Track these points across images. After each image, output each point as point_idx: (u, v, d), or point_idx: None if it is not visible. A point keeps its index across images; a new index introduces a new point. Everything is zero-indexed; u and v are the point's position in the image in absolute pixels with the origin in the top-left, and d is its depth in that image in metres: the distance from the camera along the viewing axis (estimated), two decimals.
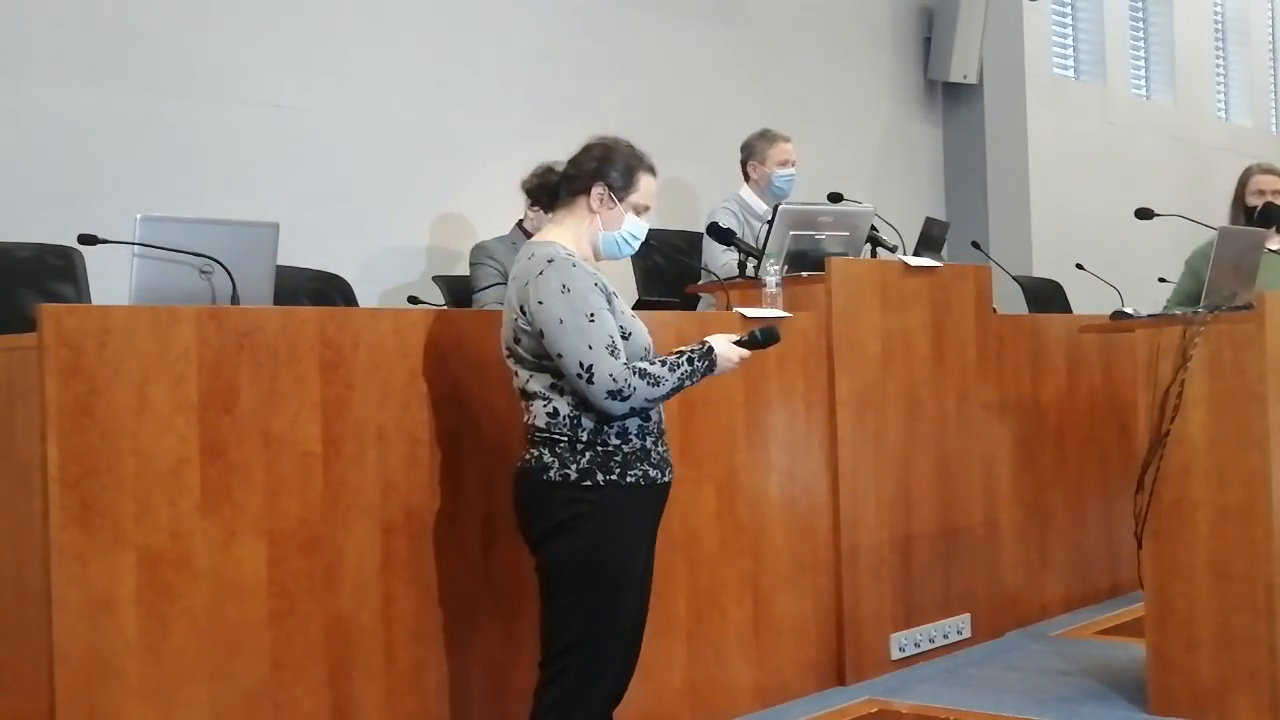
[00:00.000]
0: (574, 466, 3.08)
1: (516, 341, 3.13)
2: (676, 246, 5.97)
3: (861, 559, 4.85)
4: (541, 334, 3.05)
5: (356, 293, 5.27)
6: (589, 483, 3.08)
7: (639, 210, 3.29)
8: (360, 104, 5.95)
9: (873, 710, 4.48)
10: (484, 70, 6.48)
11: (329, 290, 5.11)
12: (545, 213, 3.35)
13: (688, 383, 3.16)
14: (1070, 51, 10.82)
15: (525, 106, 6.58)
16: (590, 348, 3.01)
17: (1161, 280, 5.92)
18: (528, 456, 3.15)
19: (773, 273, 4.61)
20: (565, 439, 3.09)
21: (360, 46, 5.99)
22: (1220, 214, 5.57)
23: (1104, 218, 9.44)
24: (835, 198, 5.56)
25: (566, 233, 3.24)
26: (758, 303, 4.57)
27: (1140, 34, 11.53)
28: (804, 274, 4.88)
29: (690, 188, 7.14)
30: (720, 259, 5.37)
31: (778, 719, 4.42)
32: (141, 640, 2.95)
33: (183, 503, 3.03)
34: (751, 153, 5.96)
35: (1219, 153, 11.72)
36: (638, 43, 7.20)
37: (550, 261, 3.10)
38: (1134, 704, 4.40)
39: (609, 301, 3.11)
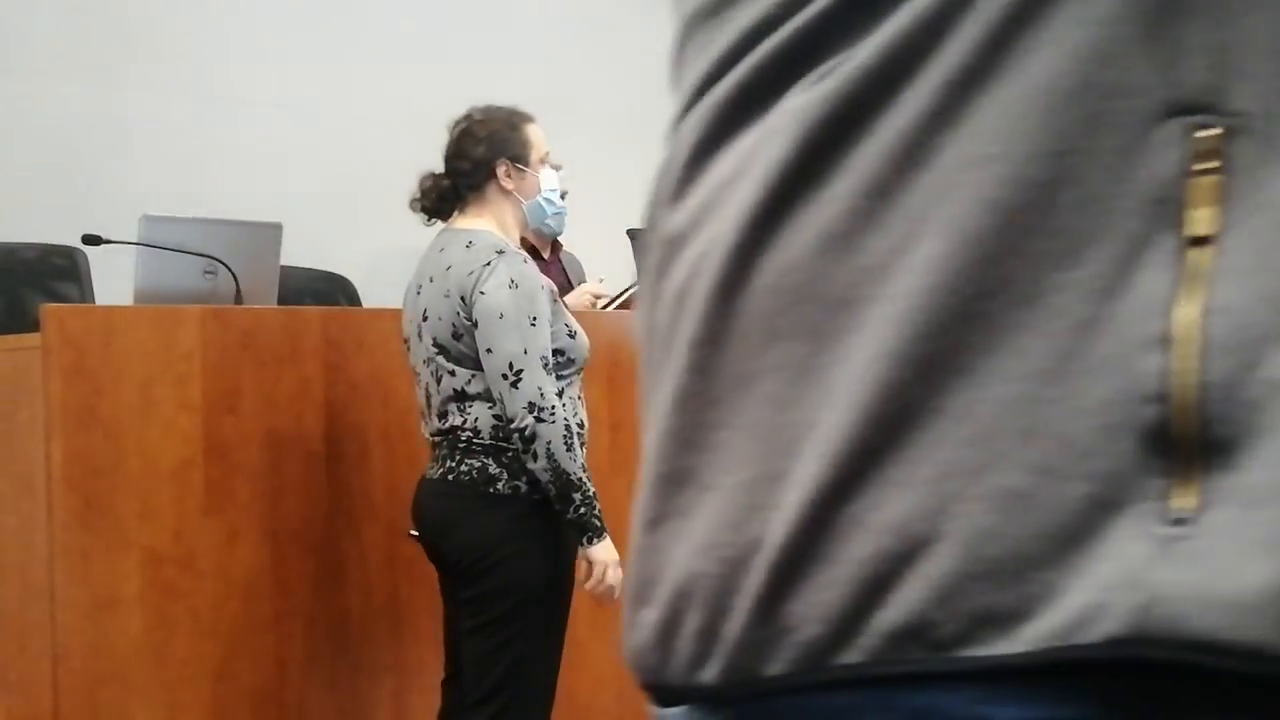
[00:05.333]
0: (525, 478, 2.81)
1: (456, 338, 2.86)
2: None
3: None
4: (475, 324, 2.82)
5: (361, 293, 5.27)
6: (541, 495, 2.82)
7: (545, 162, 3.09)
8: (365, 104, 5.96)
9: None
10: (487, 70, 6.49)
11: (333, 291, 5.12)
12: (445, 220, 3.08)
13: (575, 499, 2.80)
14: None
15: (529, 106, 6.58)
16: (525, 352, 2.77)
17: None
18: (464, 468, 2.87)
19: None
20: (514, 448, 2.81)
21: (364, 46, 6.00)
22: None
23: None
24: None
25: (490, 224, 3.00)
26: None
27: None
28: None
29: None
30: None
31: None
32: (145, 640, 2.96)
33: (186, 502, 3.03)
34: None
35: None
36: (640, 43, 7.20)
37: (500, 253, 2.87)
38: None
39: (553, 303, 2.88)
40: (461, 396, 2.87)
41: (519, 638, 2.81)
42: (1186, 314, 0.52)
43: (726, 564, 0.56)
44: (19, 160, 4.90)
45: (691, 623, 0.58)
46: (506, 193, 3.01)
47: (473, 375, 2.86)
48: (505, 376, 2.78)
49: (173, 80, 5.36)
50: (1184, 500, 0.52)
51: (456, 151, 3.05)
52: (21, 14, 5.00)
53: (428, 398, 2.97)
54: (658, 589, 0.59)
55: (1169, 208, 0.53)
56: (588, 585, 2.86)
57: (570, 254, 5.08)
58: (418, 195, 3.08)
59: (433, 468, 2.97)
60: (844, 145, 0.56)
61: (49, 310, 2.89)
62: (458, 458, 2.88)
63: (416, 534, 2.99)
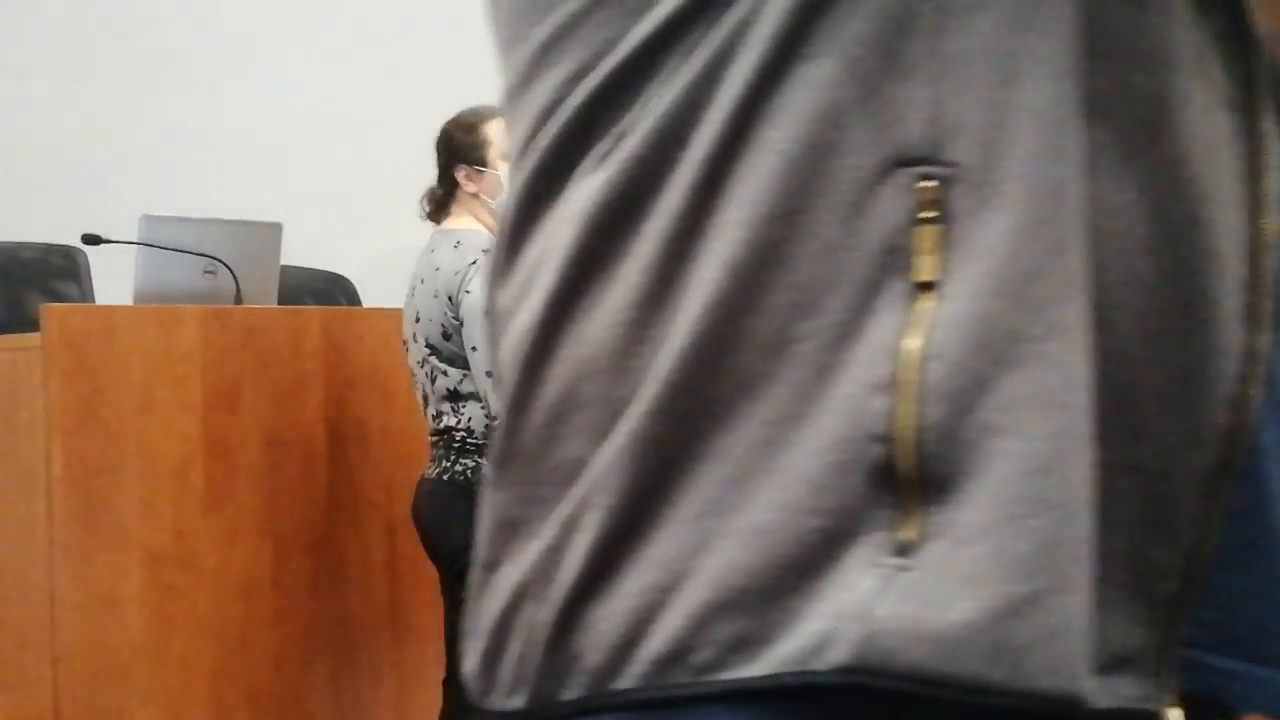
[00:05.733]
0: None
1: (446, 338, 2.94)
2: None
3: None
4: (460, 323, 2.89)
5: (361, 293, 5.27)
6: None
7: (507, 158, 3.14)
8: (365, 104, 5.96)
9: None
10: (491, 70, 6.48)
11: (333, 290, 5.11)
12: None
13: None
14: None
15: None
16: None
17: None
18: (458, 467, 2.93)
19: None
20: None
21: (366, 46, 5.99)
22: None
23: None
24: None
25: (469, 222, 3.09)
26: None
27: None
28: None
29: None
30: None
31: None
32: (145, 639, 2.96)
33: (186, 502, 3.03)
34: None
35: None
36: None
37: (486, 251, 2.92)
38: None
39: None
40: (454, 396, 2.92)
41: None
42: (909, 358, 0.56)
43: (532, 601, 0.62)
44: (19, 160, 4.90)
45: (508, 654, 0.64)
46: (474, 195, 3.09)
47: (464, 375, 2.91)
48: (490, 374, 2.82)
49: (173, 80, 5.36)
50: (907, 534, 0.56)
51: (436, 158, 3.15)
52: (21, 14, 5.00)
53: (424, 398, 3.01)
54: (484, 622, 0.66)
55: (897, 256, 0.57)
56: None
57: None
58: (427, 210, 3.19)
59: (430, 468, 2.99)
60: (626, 229, 0.61)
61: (49, 310, 2.89)
62: (453, 457, 2.92)
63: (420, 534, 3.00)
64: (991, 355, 0.56)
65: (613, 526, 0.60)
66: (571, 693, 0.61)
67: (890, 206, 0.57)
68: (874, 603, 0.56)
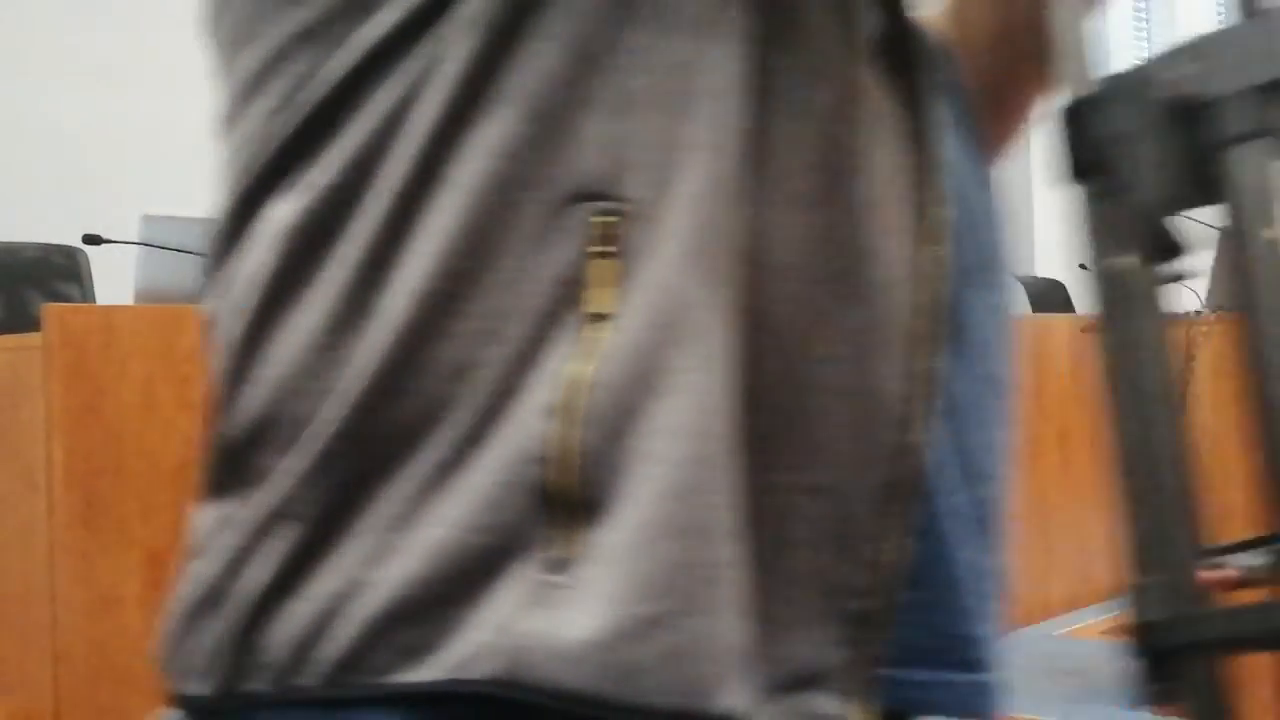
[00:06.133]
0: None
1: None
2: None
3: None
4: None
5: None
6: None
7: None
8: None
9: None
10: None
11: None
12: None
13: None
14: None
15: None
16: None
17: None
18: None
19: None
20: None
21: None
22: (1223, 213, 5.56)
23: None
24: None
25: None
26: None
27: (1143, 30, 11.53)
28: None
29: None
30: None
31: None
32: (146, 639, 2.95)
33: (187, 502, 3.02)
34: None
35: None
36: None
37: None
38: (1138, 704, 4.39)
39: None
40: None
41: None
42: (573, 385, 0.60)
43: (224, 597, 0.66)
44: (19, 160, 4.89)
45: (197, 642, 0.68)
46: None
47: None
48: None
49: (173, 80, 5.35)
50: (563, 552, 0.60)
51: None
52: (22, 14, 4.99)
53: None
54: (178, 608, 0.70)
55: (573, 288, 0.61)
56: None
57: None
58: None
59: None
60: (319, 254, 0.64)
61: (50, 310, 2.89)
62: None
63: None
64: (644, 384, 0.60)
65: (302, 536, 0.64)
66: (255, 686, 0.65)
67: (568, 240, 0.61)
68: (521, 617, 0.60)
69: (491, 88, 0.62)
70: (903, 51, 0.69)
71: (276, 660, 0.64)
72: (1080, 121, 0.58)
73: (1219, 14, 12.20)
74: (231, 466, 0.68)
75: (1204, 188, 0.59)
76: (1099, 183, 0.58)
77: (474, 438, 0.61)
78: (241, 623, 0.65)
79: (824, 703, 0.66)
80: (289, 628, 0.64)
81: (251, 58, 0.67)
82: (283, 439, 0.65)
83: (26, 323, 3.11)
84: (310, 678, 0.63)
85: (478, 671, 0.60)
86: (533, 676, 0.59)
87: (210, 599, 0.67)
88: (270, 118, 0.66)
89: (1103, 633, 5.63)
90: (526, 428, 0.60)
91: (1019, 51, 0.85)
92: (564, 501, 0.60)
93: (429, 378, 0.62)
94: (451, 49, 0.62)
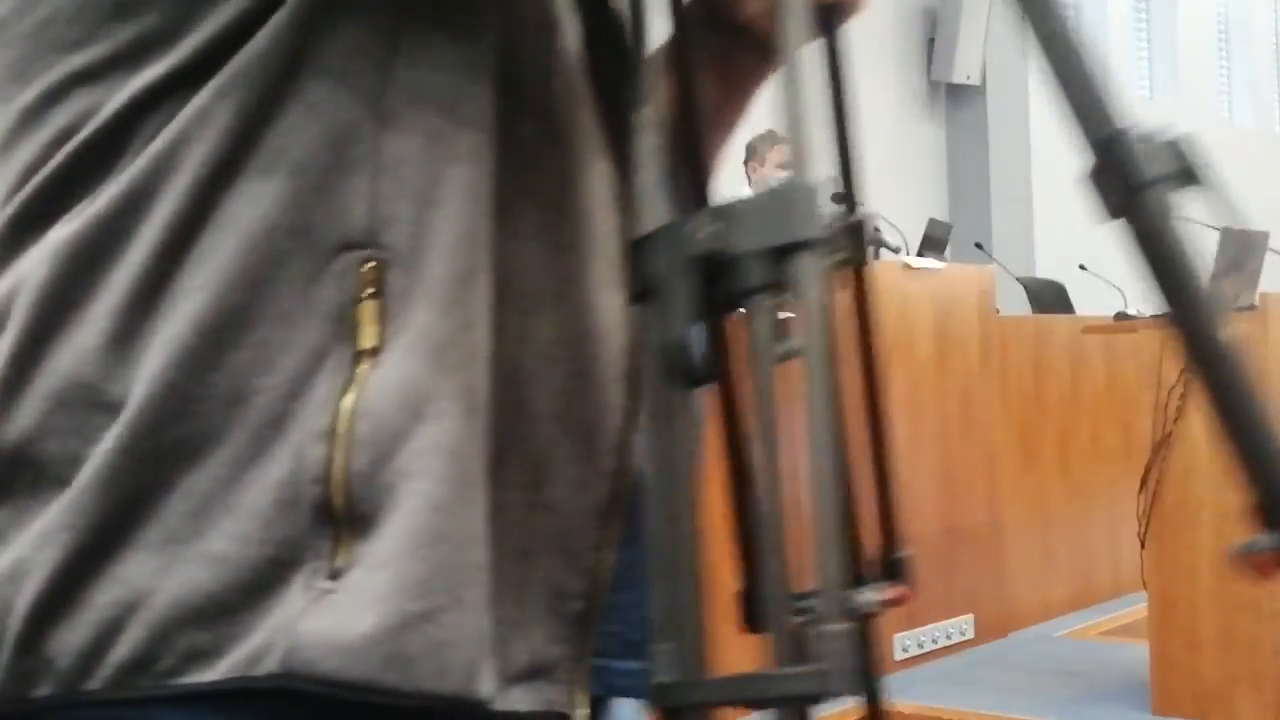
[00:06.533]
0: None
1: None
2: None
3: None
4: None
5: None
6: None
7: None
8: None
9: None
10: None
11: None
12: None
13: None
14: None
15: None
16: None
17: None
18: None
19: None
20: None
21: None
22: (1223, 215, 5.56)
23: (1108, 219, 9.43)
24: (838, 198, 5.56)
25: None
26: None
27: (1143, 34, 11.55)
28: None
29: None
30: None
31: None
32: None
33: None
34: (752, 153, 5.94)
35: (1222, 152, 11.73)
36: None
37: None
38: (1137, 705, 4.40)
39: None
40: None
41: None
42: (344, 413, 0.68)
43: (4, 605, 0.69)
44: None
45: None
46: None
47: None
48: None
49: None
50: (338, 562, 0.68)
51: None
52: None
53: None
54: None
55: (344, 325, 0.69)
56: None
57: None
58: None
59: None
60: (95, 275, 0.70)
61: None
62: None
63: None
64: (409, 412, 0.69)
65: (81, 546, 0.68)
66: (42, 691, 0.69)
67: (338, 283, 0.69)
68: (300, 619, 0.67)
69: (259, 145, 0.70)
70: (621, 124, 0.79)
71: (64, 667, 0.68)
72: (638, 255, 0.70)
73: (1219, 15, 12.20)
74: (10, 475, 0.71)
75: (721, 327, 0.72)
76: (647, 312, 0.70)
77: (251, 458, 0.68)
78: (25, 632, 0.68)
79: (551, 691, 0.77)
80: (75, 636, 0.68)
81: (29, 94, 0.73)
82: (62, 450, 0.69)
83: None
84: (98, 681, 0.68)
85: (263, 669, 0.67)
86: (317, 671, 0.66)
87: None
88: (47, 149, 0.72)
89: (1103, 634, 5.64)
90: (303, 451, 0.68)
91: (732, 119, 0.97)
92: (338, 517, 0.68)
93: (207, 402, 0.68)
94: (221, 104, 0.70)
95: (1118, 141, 0.79)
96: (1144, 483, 4.30)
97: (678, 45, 0.80)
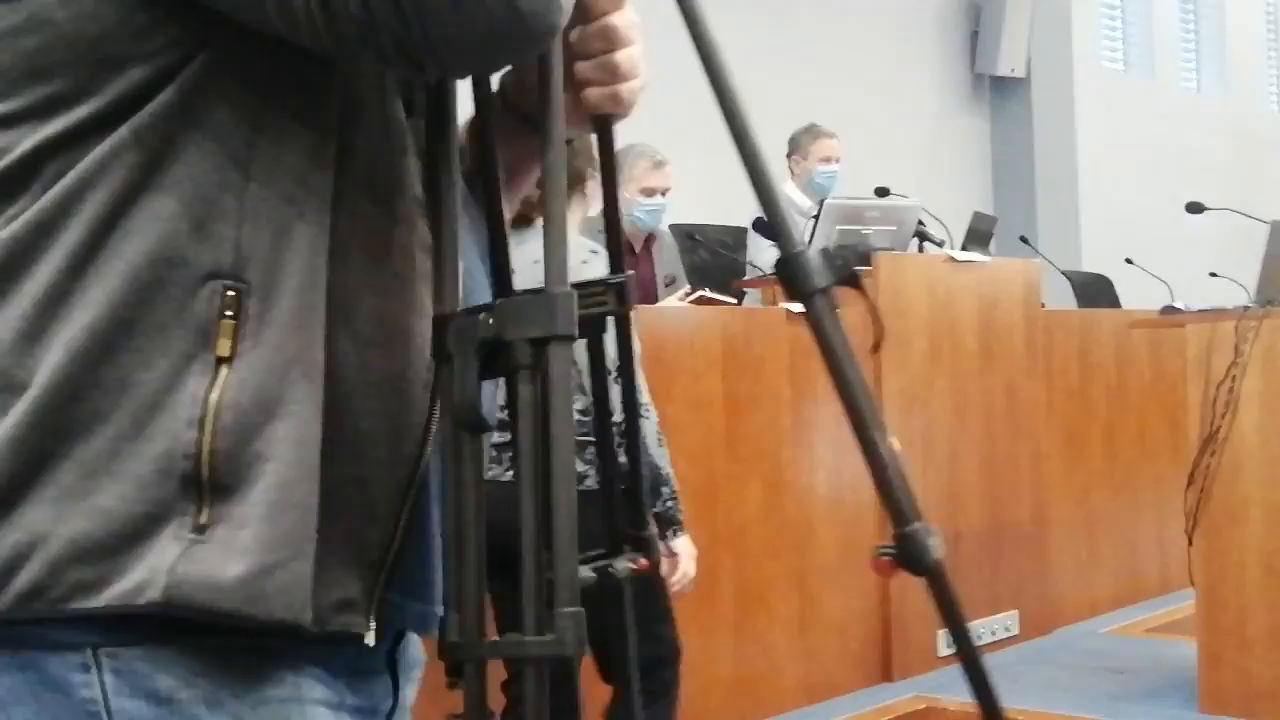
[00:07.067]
0: (594, 478, 2.82)
1: None
2: (722, 242, 5.97)
3: None
4: None
5: None
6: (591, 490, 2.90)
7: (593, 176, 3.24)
8: None
9: (919, 707, 4.46)
10: None
11: None
12: None
13: (664, 493, 3.01)
14: (1119, 44, 10.74)
15: None
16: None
17: (1213, 275, 5.86)
18: None
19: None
20: (591, 443, 2.84)
21: None
22: (1273, 207, 5.51)
23: (1154, 211, 9.36)
24: (882, 192, 5.55)
25: (574, 220, 3.13)
26: None
27: (1191, 26, 11.43)
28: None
29: (735, 183, 7.13)
30: (766, 254, 5.36)
31: (824, 714, 4.41)
32: None
33: None
34: (795, 147, 5.93)
35: (1271, 146, 11.61)
36: (682, 38, 7.19)
37: (594, 252, 3.03)
38: (1184, 703, 4.36)
39: None
40: None
41: (658, 619, 2.91)
42: (211, 406, 0.89)
43: None
44: None
45: None
46: (585, 195, 3.14)
47: None
48: (609, 373, 2.76)
49: None
50: (201, 519, 0.89)
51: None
52: None
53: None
54: None
55: (207, 338, 0.90)
56: (674, 578, 2.94)
57: (668, 243, 5.13)
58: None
59: (499, 468, 2.95)
60: (8, 284, 0.90)
61: None
62: None
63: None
64: (264, 409, 0.91)
65: None
66: None
67: (206, 304, 0.90)
68: (178, 564, 0.88)
69: (147, 191, 0.90)
70: (434, 181, 1.02)
71: None
72: (439, 330, 0.98)
73: (1267, 6, 12.06)
74: None
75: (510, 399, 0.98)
76: (443, 373, 0.99)
77: (133, 436, 0.89)
78: None
79: (351, 618, 0.98)
80: None
81: None
82: None
83: None
84: (1, 605, 0.89)
85: (145, 599, 0.87)
86: (195, 602, 0.88)
87: None
88: None
89: (1149, 631, 5.59)
90: (177, 433, 0.89)
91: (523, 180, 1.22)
92: (203, 485, 0.89)
93: (97, 390, 0.89)
94: (119, 157, 0.89)
95: (798, 258, 1.16)
96: (1191, 478, 4.26)
97: (480, 123, 1.05)
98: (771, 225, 1.19)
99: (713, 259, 5.90)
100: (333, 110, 0.96)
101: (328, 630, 0.96)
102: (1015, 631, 5.23)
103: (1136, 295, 7.20)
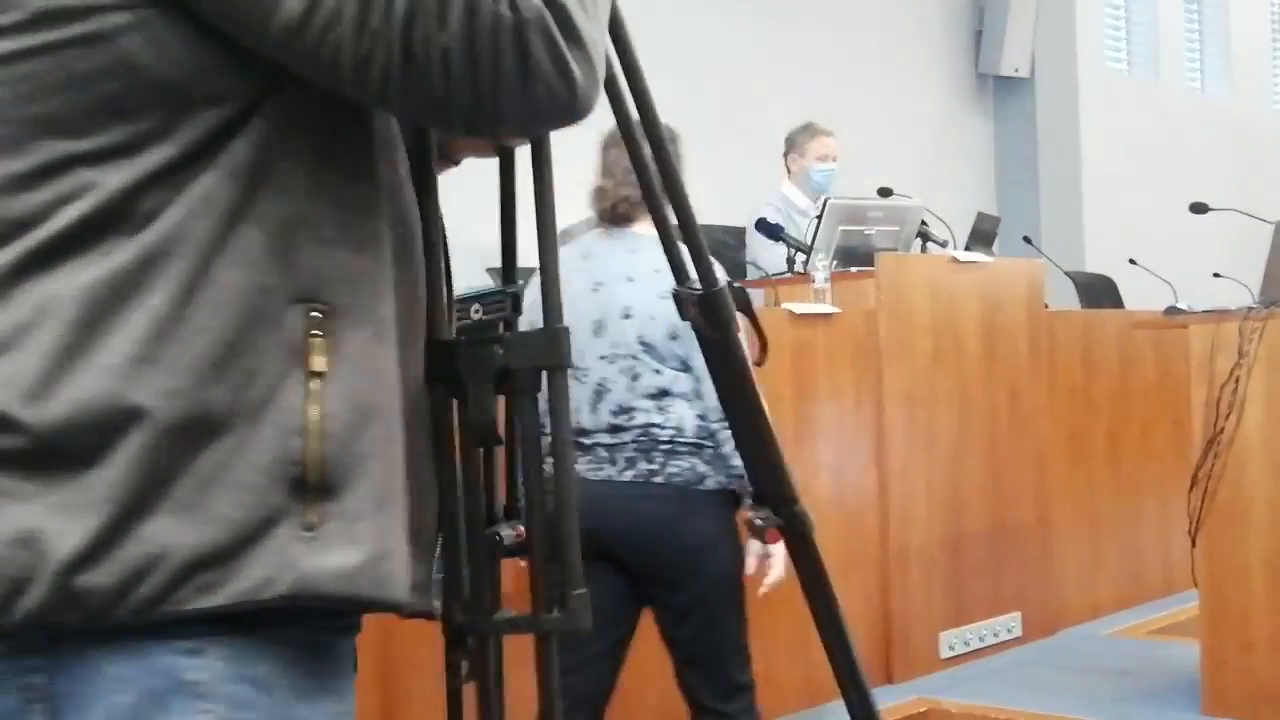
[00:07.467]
0: (713, 478, 2.94)
1: (673, 338, 2.92)
2: (723, 241, 5.95)
3: (910, 557, 4.82)
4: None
5: None
6: (722, 490, 2.95)
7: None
8: None
9: (922, 709, 4.45)
10: None
11: None
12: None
13: None
14: (1123, 44, 10.73)
15: None
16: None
17: (1217, 276, 5.85)
18: (672, 469, 2.93)
19: (821, 268, 4.59)
20: (709, 447, 2.94)
21: None
22: (1277, 207, 5.49)
23: (1157, 212, 9.35)
24: (885, 192, 5.54)
25: (651, 227, 3.10)
26: (806, 298, 4.55)
27: (1195, 26, 11.42)
28: (853, 269, 4.86)
29: (737, 182, 7.11)
30: (767, 254, 5.35)
31: (824, 717, 4.40)
32: None
33: None
34: (792, 146, 5.91)
35: (1275, 146, 11.59)
36: (684, 35, 7.19)
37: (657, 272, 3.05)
38: (1188, 705, 4.35)
39: None
40: (663, 394, 2.93)
41: (738, 619, 3.01)
42: (312, 416, 0.98)
43: (40, 557, 0.93)
44: None
45: (26, 595, 0.93)
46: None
47: (679, 375, 2.93)
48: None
49: None
50: (311, 518, 0.98)
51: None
52: None
53: (599, 395, 2.95)
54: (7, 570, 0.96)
55: (298, 355, 0.99)
56: (768, 580, 3.00)
57: None
58: (608, 205, 3.08)
59: (613, 468, 2.95)
60: (115, 312, 0.94)
61: None
62: (659, 459, 2.92)
63: (597, 534, 2.82)
64: (361, 414, 1.01)
65: (117, 513, 0.93)
66: (70, 618, 0.93)
67: (295, 325, 0.99)
68: (301, 557, 0.97)
69: (242, 225, 0.97)
70: (425, 217, 1.15)
71: (94, 601, 0.93)
72: (444, 351, 1.14)
73: (1272, 6, 12.04)
74: (35, 460, 0.94)
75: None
76: (438, 390, 1.15)
77: (242, 448, 0.96)
78: (60, 573, 0.92)
79: (423, 600, 1.11)
80: (105, 578, 0.93)
81: (19, 164, 0.95)
82: (83, 443, 0.93)
83: None
84: (125, 613, 0.93)
85: (271, 593, 0.96)
86: (321, 591, 0.98)
87: (29, 558, 0.93)
88: (43, 209, 0.94)
89: (1152, 633, 5.58)
90: (282, 443, 0.97)
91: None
92: (309, 487, 0.98)
93: (210, 409, 0.96)
94: (214, 192, 0.97)
95: (720, 293, 1.39)
96: (1195, 480, 4.24)
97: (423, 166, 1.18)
98: (697, 266, 1.40)
99: (713, 258, 5.88)
100: (373, 145, 1.07)
101: (413, 610, 1.09)
102: (1018, 633, 5.21)
103: (1140, 296, 7.17)
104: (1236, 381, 4.17)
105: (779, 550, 3.00)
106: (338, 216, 1.02)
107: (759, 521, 1.46)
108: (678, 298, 1.44)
